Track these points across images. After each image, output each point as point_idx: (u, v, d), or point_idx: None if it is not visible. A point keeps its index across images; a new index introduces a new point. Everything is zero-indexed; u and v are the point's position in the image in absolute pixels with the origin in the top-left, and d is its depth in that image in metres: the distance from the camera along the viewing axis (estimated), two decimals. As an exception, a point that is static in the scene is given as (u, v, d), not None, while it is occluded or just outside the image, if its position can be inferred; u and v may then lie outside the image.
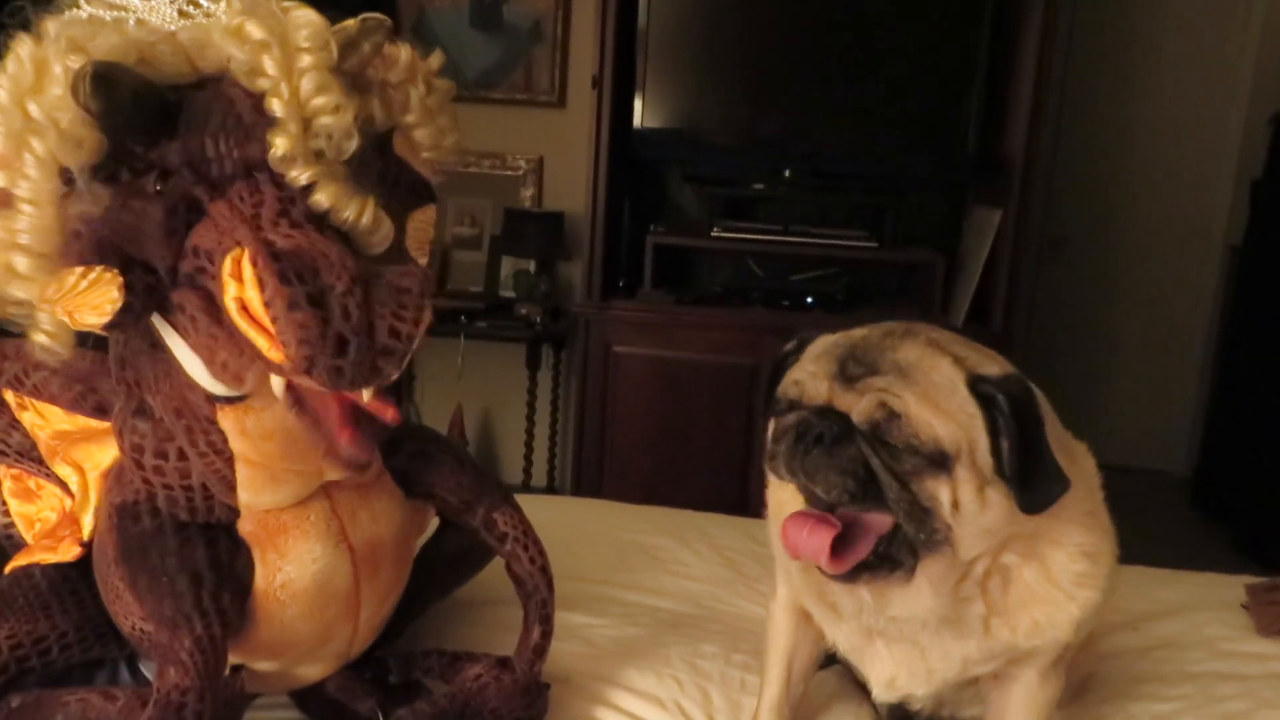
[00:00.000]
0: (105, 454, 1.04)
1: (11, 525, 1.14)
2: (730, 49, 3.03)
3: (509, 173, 3.39)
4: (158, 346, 0.90)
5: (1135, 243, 4.11)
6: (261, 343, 0.79)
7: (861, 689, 1.27)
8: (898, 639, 1.02)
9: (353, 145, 0.85)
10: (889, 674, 1.05)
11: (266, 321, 0.78)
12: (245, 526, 0.97)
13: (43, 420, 1.07)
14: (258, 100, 0.83)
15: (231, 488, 0.94)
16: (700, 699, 1.24)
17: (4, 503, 1.14)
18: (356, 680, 1.10)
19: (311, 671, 1.07)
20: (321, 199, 0.83)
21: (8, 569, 1.06)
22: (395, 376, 0.82)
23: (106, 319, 0.82)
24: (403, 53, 0.95)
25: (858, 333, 0.98)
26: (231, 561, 0.95)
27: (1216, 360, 3.98)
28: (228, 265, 0.80)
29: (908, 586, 0.96)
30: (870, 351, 0.95)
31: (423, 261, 0.96)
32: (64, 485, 1.09)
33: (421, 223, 0.98)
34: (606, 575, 1.52)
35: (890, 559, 0.93)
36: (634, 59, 2.97)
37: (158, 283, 0.84)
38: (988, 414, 0.91)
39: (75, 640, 1.02)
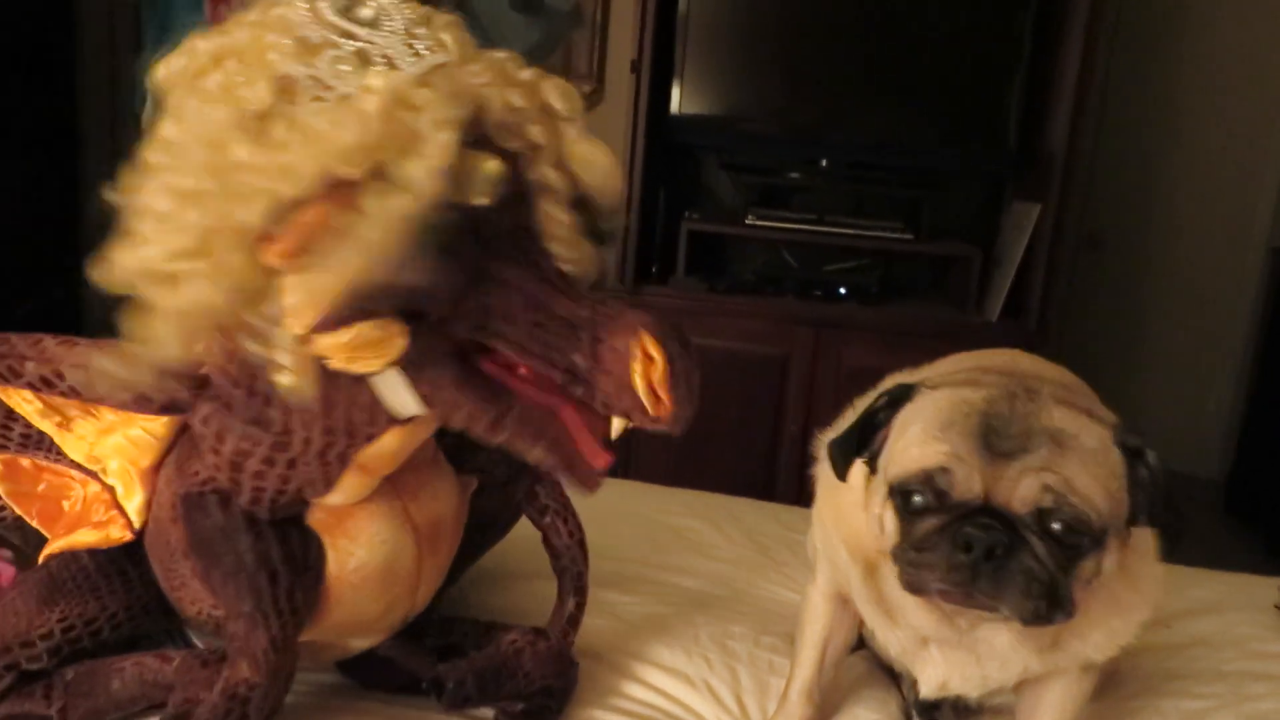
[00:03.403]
0: (141, 448, 1.05)
1: (4, 508, 1.12)
2: (770, 36, 3.02)
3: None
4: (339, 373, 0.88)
5: (1174, 241, 4.06)
6: (649, 402, 0.81)
7: (889, 675, 1.27)
8: (956, 647, 1.00)
9: None
10: (941, 678, 1.03)
11: (664, 390, 0.80)
12: (314, 516, 0.99)
13: (60, 416, 1.06)
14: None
15: (328, 490, 0.96)
16: (729, 678, 1.24)
17: None
18: (398, 643, 1.12)
19: (362, 644, 1.09)
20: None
21: (47, 552, 1.08)
22: None
23: (378, 369, 0.83)
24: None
25: (978, 395, 0.89)
26: (305, 555, 0.97)
27: (1254, 363, 3.92)
28: (628, 350, 0.80)
29: (999, 622, 0.93)
30: (1011, 420, 0.86)
31: None
32: (85, 470, 1.08)
33: None
34: (637, 554, 1.53)
35: None
36: (673, 44, 2.96)
37: (421, 332, 0.84)
38: (1132, 469, 0.87)
39: (125, 619, 1.05)
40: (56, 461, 1.07)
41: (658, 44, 2.91)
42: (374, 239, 0.75)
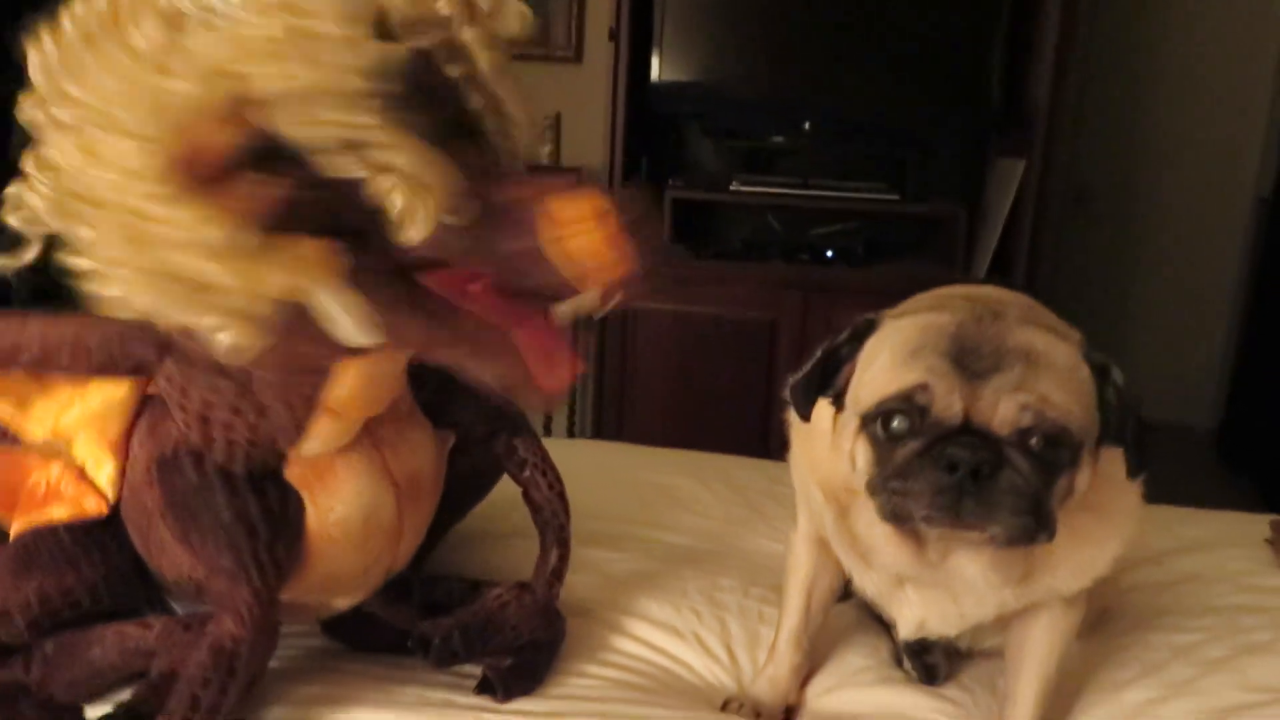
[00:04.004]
0: (106, 419, 1.03)
1: None
2: (749, 0, 2.99)
3: (527, 130, 3.37)
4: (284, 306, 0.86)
5: (1161, 193, 4.05)
6: (612, 261, 0.78)
7: (880, 622, 1.27)
8: (930, 585, 1.00)
9: None
10: (918, 618, 1.03)
11: (620, 244, 0.78)
12: (293, 471, 0.98)
13: (14, 397, 1.04)
14: None
15: (300, 436, 0.95)
16: (718, 630, 1.24)
17: None
18: (383, 601, 1.11)
19: (345, 602, 1.09)
20: None
21: (17, 528, 1.06)
22: None
23: (315, 292, 0.80)
24: None
25: (944, 318, 0.88)
26: (283, 510, 0.96)
27: (1244, 313, 3.92)
28: (583, 208, 0.78)
29: (970, 552, 0.92)
30: (982, 340, 0.85)
31: None
32: (49, 452, 1.06)
33: None
34: (624, 513, 1.52)
35: None
36: (651, 11, 2.93)
37: (354, 251, 0.81)
38: (1099, 387, 0.87)
39: (104, 590, 1.04)
40: (12, 446, 1.06)
41: (636, 11, 2.88)
42: (301, 144, 0.74)
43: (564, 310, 0.83)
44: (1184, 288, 4.13)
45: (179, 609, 1.11)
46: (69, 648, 1.02)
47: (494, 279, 0.82)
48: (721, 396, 2.96)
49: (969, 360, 0.84)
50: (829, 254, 3.01)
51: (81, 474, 1.05)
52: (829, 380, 0.94)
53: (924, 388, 0.84)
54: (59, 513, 1.05)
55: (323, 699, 1.02)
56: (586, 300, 0.82)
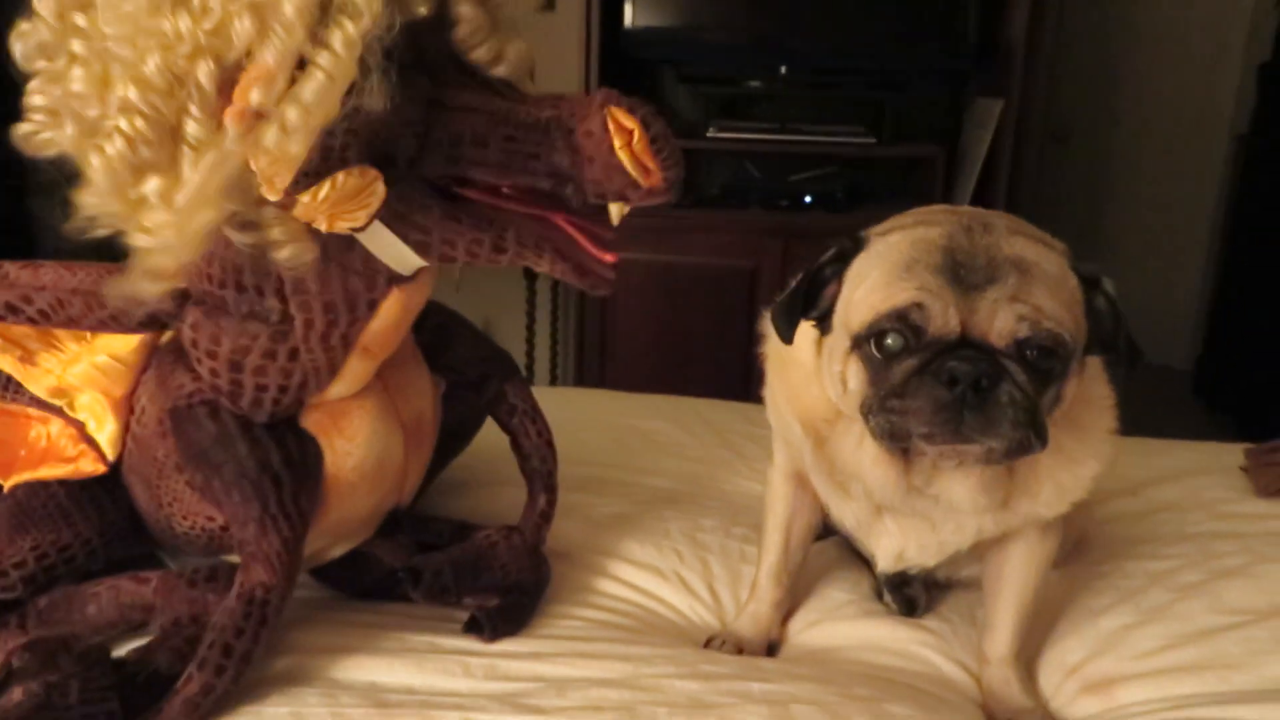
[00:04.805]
0: (112, 377, 1.03)
1: None
2: (722, -59, 2.95)
3: (500, 80, 3.32)
4: (330, 245, 0.87)
5: (1138, 133, 4.04)
6: (637, 174, 0.80)
7: (861, 558, 1.28)
8: (909, 514, 1.00)
9: None
10: (897, 548, 1.04)
11: (648, 158, 0.80)
12: (310, 417, 0.98)
13: (20, 349, 1.04)
14: None
15: (333, 379, 0.96)
16: (700, 569, 1.25)
17: None
18: (375, 538, 1.12)
19: (346, 547, 1.09)
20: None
21: (11, 484, 1.06)
22: None
23: (364, 222, 0.82)
24: None
25: (934, 232, 0.86)
26: (303, 458, 0.96)
27: (1220, 252, 3.94)
28: (609, 122, 0.80)
29: (957, 474, 0.92)
30: (974, 252, 0.84)
31: None
32: (47, 408, 1.06)
33: None
34: (606, 458, 1.53)
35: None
36: (623, -45, 2.89)
37: (397, 178, 0.83)
38: (1088, 297, 0.87)
39: (100, 544, 1.04)
40: (14, 400, 1.05)
41: (606, -45, 2.83)
42: (331, 71, 0.74)
43: (613, 213, 0.86)
44: (1161, 227, 4.14)
45: (172, 564, 1.11)
46: (64, 604, 1.02)
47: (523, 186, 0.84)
48: (702, 344, 2.96)
49: (963, 273, 0.83)
50: (808, 200, 3.00)
51: (81, 433, 1.04)
52: (812, 302, 0.93)
53: (919, 305, 0.83)
54: (55, 470, 1.04)
55: (305, 647, 1.02)
56: (618, 207, 0.85)
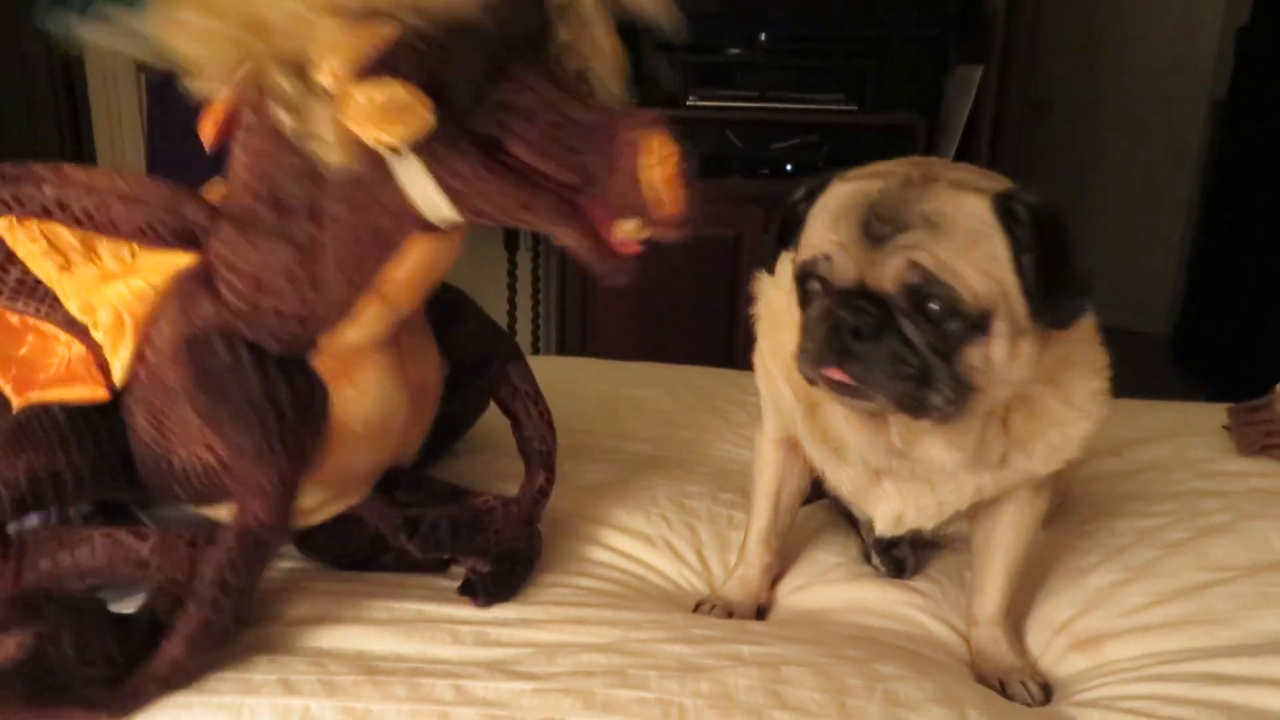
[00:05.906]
0: (140, 299, 1.01)
1: None
2: (700, -94, 2.91)
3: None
4: (367, 172, 0.89)
5: (1118, 100, 4.05)
6: (656, 200, 0.83)
7: (848, 521, 1.28)
8: (909, 478, 1.00)
9: None
10: (896, 511, 1.04)
11: (669, 190, 0.83)
12: (322, 361, 0.98)
13: (62, 257, 1.03)
14: None
15: (347, 317, 0.95)
16: (688, 535, 1.24)
17: None
18: (368, 499, 1.11)
19: (338, 507, 1.08)
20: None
21: (19, 405, 1.02)
22: None
23: (407, 141, 0.82)
24: None
25: (874, 185, 0.88)
26: (310, 400, 0.96)
27: (1199, 218, 3.96)
28: (640, 144, 0.82)
29: (933, 435, 0.93)
30: (894, 206, 0.85)
31: None
32: (74, 327, 1.04)
33: None
34: (592, 425, 1.52)
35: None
36: (600, -80, 2.84)
37: (445, 119, 0.84)
38: (1007, 229, 0.84)
39: (89, 478, 1.01)
40: (47, 317, 1.03)
41: (583, -81, 2.79)
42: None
43: (626, 228, 0.88)
44: (1140, 194, 4.16)
45: (148, 521, 1.09)
46: (51, 541, 0.99)
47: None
48: (686, 313, 2.95)
49: (874, 226, 0.86)
50: (789, 168, 2.98)
51: (97, 357, 1.03)
52: (789, 236, 0.96)
53: (827, 258, 0.88)
54: (64, 394, 1.02)
55: (292, 618, 1.01)
56: (633, 227, 0.86)
